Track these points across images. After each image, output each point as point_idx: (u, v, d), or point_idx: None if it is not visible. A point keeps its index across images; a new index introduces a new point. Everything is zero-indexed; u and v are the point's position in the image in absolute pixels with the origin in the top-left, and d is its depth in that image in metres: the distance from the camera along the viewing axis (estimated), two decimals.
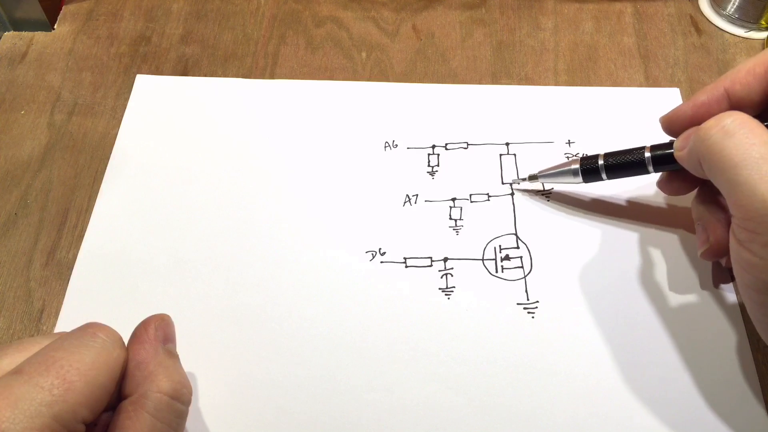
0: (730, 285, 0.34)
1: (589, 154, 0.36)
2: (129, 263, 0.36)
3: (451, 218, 0.38)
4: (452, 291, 0.35)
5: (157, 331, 0.28)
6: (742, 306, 0.34)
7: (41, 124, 0.43)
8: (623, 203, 0.38)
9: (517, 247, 0.36)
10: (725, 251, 0.30)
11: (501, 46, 0.46)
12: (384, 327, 0.34)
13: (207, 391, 0.32)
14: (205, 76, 0.45)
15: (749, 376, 0.32)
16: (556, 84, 0.43)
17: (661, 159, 0.32)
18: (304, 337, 0.34)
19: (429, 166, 0.40)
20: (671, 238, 0.36)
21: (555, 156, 0.40)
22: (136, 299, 0.35)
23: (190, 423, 0.31)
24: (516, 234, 0.37)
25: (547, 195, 0.38)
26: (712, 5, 0.47)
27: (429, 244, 0.37)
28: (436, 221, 0.37)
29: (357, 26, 0.47)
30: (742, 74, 0.30)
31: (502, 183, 0.39)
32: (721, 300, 0.34)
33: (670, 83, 0.43)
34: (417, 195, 0.39)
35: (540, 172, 0.37)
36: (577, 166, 0.35)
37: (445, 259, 0.36)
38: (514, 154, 0.40)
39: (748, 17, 0.45)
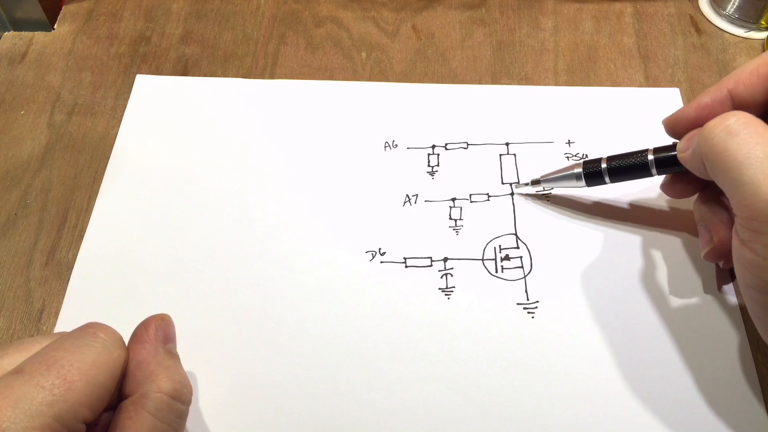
0: (731, 286, 0.34)
1: (590, 157, 0.36)
2: (129, 263, 0.36)
3: (451, 218, 0.38)
4: (452, 291, 0.35)
5: (158, 331, 0.28)
6: (742, 307, 0.34)
7: (41, 124, 0.43)
8: (624, 204, 0.38)
9: (517, 247, 0.36)
10: (728, 252, 0.30)
11: (501, 46, 0.46)
12: (384, 327, 0.34)
13: (207, 391, 0.32)
14: (205, 76, 0.45)
15: (749, 376, 0.32)
16: (556, 84, 0.43)
17: (665, 161, 0.32)
18: (304, 337, 0.34)
19: (429, 166, 0.40)
20: (671, 239, 0.36)
21: (555, 156, 0.40)
22: (136, 299, 0.35)
23: (190, 423, 0.31)
24: (516, 234, 0.37)
25: (547, 195, 0.38)
26: (712, 5, 0.47)
27: (429, 244, 0.37)
28: (436, 221, 0.37)
29: (357, 26, 0.47)
30: (746, 75, 0.30)
31: (502, 183, 0.39)
32: (721, 301, 0.34)
33: (670, 83, 0.43)
34: (417, 195, 0.39)
35: (542, 177, 0.37)
36: (579, 170, 0.35)
37: (445, 259, 0.36)
38: (514, 154, 0.40)
39: (748, 17, 0.45)
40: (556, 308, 0.34)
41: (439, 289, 0.35)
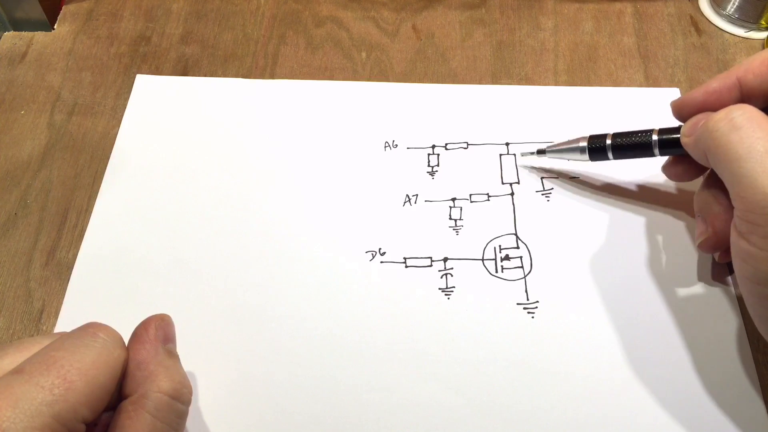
0: (731, 288, 0.34)
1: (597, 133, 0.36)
2: (129, 263, 0.36)
3: (451, 218, 0.38)
4: (452, 291, 0.35)
5: (158, 331, 0.28)
6: (742, 306, 0.34)
7: (41, 124, 0.43)
8: (624, 203, 0.38)
9: (517, 247, 0.36)
10: (723, 244, 0.31)
11: (501, 46, 0.46)
12: (384, 327, 0.34)
13: (207, 391, 0.32)
14: (205, 76, 0.45)
15: (749, 376, 0.32)
16: (556, 84, 0.43)
17: (668, 143, 0.33)
18: (304, 337, 0.34)
19: (429, 166, 0.40)
20: (672, 240, 0.36)
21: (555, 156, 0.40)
22: (136, 299, 0.35)
23: (190, 423, 0.31)
24: (516, 234, 0.37)
25: (547, 195, 0.38)
26: (712, 5, 0.47)
27: (429, 244, 0.37)
28: (436, 221, 0.37)
29: (357, 26, 0.47)
30: (757, 64, 0.30)
31: (502, 183, 0.39)
32: (722, 301, 0.34)
33: (670, 83, 0.43)
34: (417, 195, 0.39)
35: (548, 147, 0.37)
36: (585, 144, 0.35)
37: (445, 259, 0.36)
38: (514, 154, 0.40)
39: (748, 17, 0.45)
40: (556, 308, 0.34)
41: (439, 289, 0.35)
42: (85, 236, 0.37)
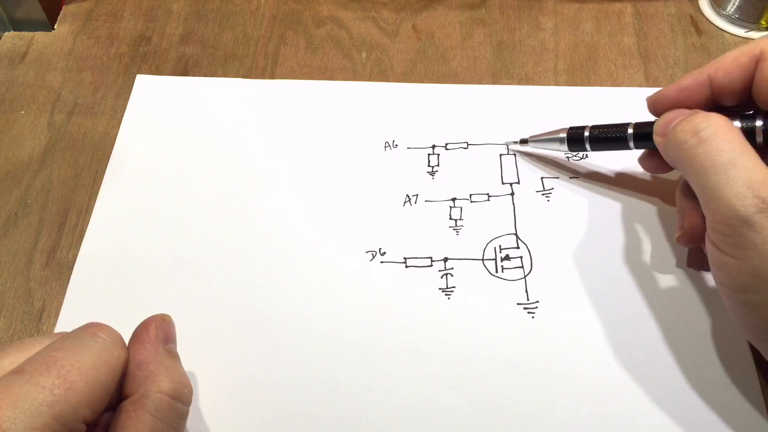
0: None
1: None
2: (129, 263, 0.36)
3: (451, 218, 0.38)
4: (452, 291, 0.35)
5: (158, 331, 0.28)
6: None
7: (41, 124, 0.43)
8: (624, 203, 0.38)
9: (517, 247, 0.36)
10: (697, 239, 0.31)
11: (501, 46, 0.46)
12: (384, 327, 0.34)
13: (207, 391, 0.32)
14: (205, 76, 0.45)
15: (749, 376, 0.32)
16: (556, 84, 0.43)
17: (642, 136, 0.34)
18: (304, 337, 0.34)
19: (429, 166, 0.40)
20: (672, 241, 0.36)
21: (555, 156, 0.40)
22: (136, 299, 0.35)
23: (190, 423, 0.31)
24: (516, 234, 0.37)
25: (547, 195, 0.38)
26: (712, 5, 0.47)
27: (429, 244, 0.37)
28: (436, 221, 0.37)
29: (357, 26, 0.47)
30: (727, 62, 0.30)
31: (502, 183, 0.39)
32: (722, 302, 0.34)
33: (670, 83, 0.43)
34: (417, 195, 0.39)
35: (531, 137, 0.39)
36: (564, 135, 0.37)
37: (445, 259, 0.36)
38: (514, 154, 0.40)
39: (748, 17, 0.45)
40: (556, 308, 0.34)
41: (439, 289, 0.35)
42: (85, 236, 0.37)
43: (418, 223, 0.37)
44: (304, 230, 0.37)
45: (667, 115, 0.32)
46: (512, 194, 0.38)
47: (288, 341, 0.34)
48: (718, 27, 0.46)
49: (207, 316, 0.34)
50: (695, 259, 0.35)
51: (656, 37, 0.46)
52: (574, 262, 0.36)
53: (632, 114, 0.41)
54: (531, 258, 0.36)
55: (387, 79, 0.44)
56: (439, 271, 0.36)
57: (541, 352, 0.33)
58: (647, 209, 0.37)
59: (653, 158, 0.35)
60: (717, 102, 0.31)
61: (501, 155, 0.40)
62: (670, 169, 0.34)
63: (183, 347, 0.29)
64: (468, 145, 0.40)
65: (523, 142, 0.39)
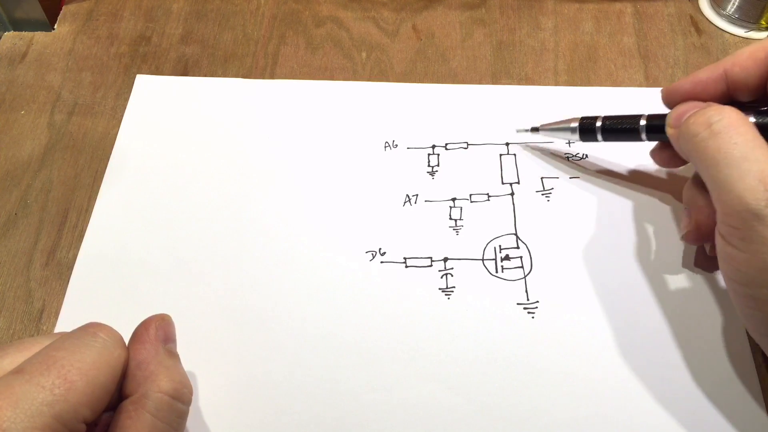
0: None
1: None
2: (129, 263, 0.36)
3: (451, 218, 0.38)
4: (452, 291, 0.35)
5: (158, 331, 0.28)
6: None
7: (41, 124, 0.43)
8: (624, 203, 0.38)
9: (517, 247, 0.36)
10: (704, 237, 0.31)
11: (501, 46, 0.46)
12: (384, 327, 0.34)
13: (207, 391, 0.32)
14: (205, 76, 0.45)
15: (749, 376, 0.32)
16: (556, 84, 0.43)
17: (655, 128, 0.33)
18: (304, 337, 0.34)
19: (429, 166, 0.40)
20: (673, 241, 0.36)
21: (555, 156, 0.40)
22: (136, 299, 0.35)
23: (190, 423, 0.31)
24: (516, 234, 0.37)
25: (547, 195, 0.38)
26: (712, 5, 0.47)
27: (429, 244, 0.37)
28: (436, 221, 0.37)
29: (357, 26, 0.47)
30: (743, 57, 0.30)
31: (502, 183, 0.39)
32: (722, 302, 0.34)
33: (670, 83, 0.43)
34: (417, 195, 0.39)
35: (542, 126, 0.38)
36: (576, 124, 0.36)
37: (445, 259, 0.36)
38: (514, 154, 0.40)
39: (748, 17, 0.45)
40: (556, 308, 0.34)
41: (439, 289, 0.35)
42: (85, 236, 0.37)
43: (418, 223, 0.37)
44: (304, 230, 0.37)
45: (681, 107, 0.32)
46: (512, 194, 0.38)
47: (288, 341, 0.34)
48: (718, 27, 0.46)
49: (207, 316, 0.34)
50: (701, 259, 0.35)
51: (656, 37, 0.46)
52: (574, 262, 0.36)
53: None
54: (531, 258, 0.36)
55: (387, 79, 0.44)
56: (439, 271, 0.36)
57: (541, 352, 0.33)
58: (647, 209, 0.37)
59: (665, 151, 0.34)
60: (732, 97, 0.31)
61: (501, 155, 0.40)
62: (682, 162, 0.34)
63: (183, 347, 0.29)
64: (468, 145, 0.40)
65: (534, 130, 0.39)
